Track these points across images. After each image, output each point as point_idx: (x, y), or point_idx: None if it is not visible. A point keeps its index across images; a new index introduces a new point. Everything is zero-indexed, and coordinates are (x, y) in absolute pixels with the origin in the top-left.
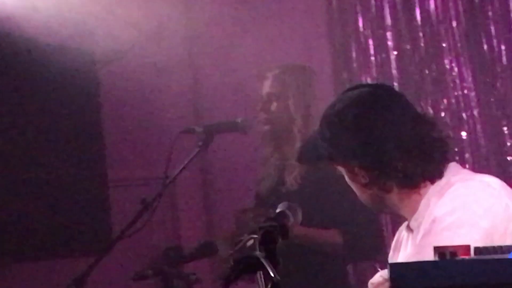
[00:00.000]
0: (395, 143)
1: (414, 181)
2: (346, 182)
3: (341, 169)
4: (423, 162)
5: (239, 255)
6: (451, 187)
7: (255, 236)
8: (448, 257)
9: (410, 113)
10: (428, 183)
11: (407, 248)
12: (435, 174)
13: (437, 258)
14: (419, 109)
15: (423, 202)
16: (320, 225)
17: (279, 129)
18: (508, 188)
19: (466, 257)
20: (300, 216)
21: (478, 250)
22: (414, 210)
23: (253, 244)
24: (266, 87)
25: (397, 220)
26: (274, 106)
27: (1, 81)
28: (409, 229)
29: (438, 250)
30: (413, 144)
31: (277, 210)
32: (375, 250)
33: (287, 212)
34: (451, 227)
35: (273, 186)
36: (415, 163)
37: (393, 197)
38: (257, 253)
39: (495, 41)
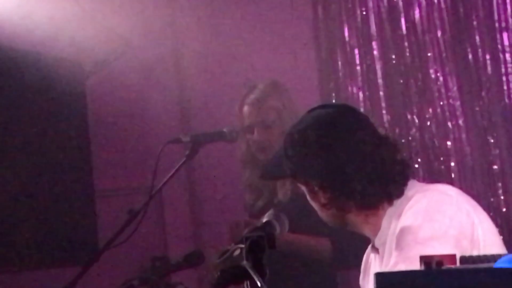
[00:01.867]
0: (356, 165)
1: (373, 202)
2: None
3: (303, 188)
4: (383, 185)
5: (226, 265)
6: (409, 201)
7: (242, 246)
8: (434, 266)
9: (373, 135)
10: (386, 204)
11: (376, 268)
12: (394, 195)
13: (423, 268)
14: (380, 130)
15: (384, 221)
16: (310, 233)
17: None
18: (464, 194)
19: (452, 266)
20: (287, 226)
21: (464, 259)
22: (376, 229)
23: (240, 253)
24: (247, 116)
25: None
26: (270, 133)
27: None
28: (375, 248)
29: (424, 259)
30: (374, 167)
31: (264, 220)
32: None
33: (274, 221)
34: (423, 240)
35: (266, 202)
36: (375, 185)
37: (352, 217)
38: (244, 262)
39: (480, 50)
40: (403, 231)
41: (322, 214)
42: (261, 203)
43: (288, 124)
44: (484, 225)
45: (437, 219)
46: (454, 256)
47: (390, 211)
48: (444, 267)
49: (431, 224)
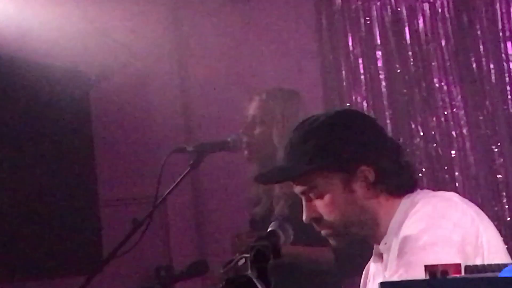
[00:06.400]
0: (388, 148)
1: (403, 187)
2: None
3: (333, 180)
4: (408, 171)
5: (231, 275)
6: (414, 206)
7: (247, 255)
8: (439, 275)
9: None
10: (406, 195)
11: (378, 277)
12: (414, 185)
13: (427, 277)
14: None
15: (392, 224)
16: (311, 244)
17: (259, 155)
18: (468, 202)
19: (457, 275)
20: (291, 235)
21: (468, 268)
22: (382, 233)
23: (245, 263)
24: (251, 109)
25: None
26: (256, 131)
27: None
28: (379, 256)
29: (428, 268)
30: (400, 154)
31: (269, 229)
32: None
33: (278, 231)
34: (425, 246)
35: (265, 213)
36: (403, 169)
37: (379, 206)
38: (249, 272)
39: (483, 59)
40: (406, 237)
41: (348, 207)
42: (261, 211)
43: (280, 133)
44: (488, 232)
45: (441, 225)
46: (459, 265)
47: (397, 213)
48: (448, 277)
49: (434, 230)
